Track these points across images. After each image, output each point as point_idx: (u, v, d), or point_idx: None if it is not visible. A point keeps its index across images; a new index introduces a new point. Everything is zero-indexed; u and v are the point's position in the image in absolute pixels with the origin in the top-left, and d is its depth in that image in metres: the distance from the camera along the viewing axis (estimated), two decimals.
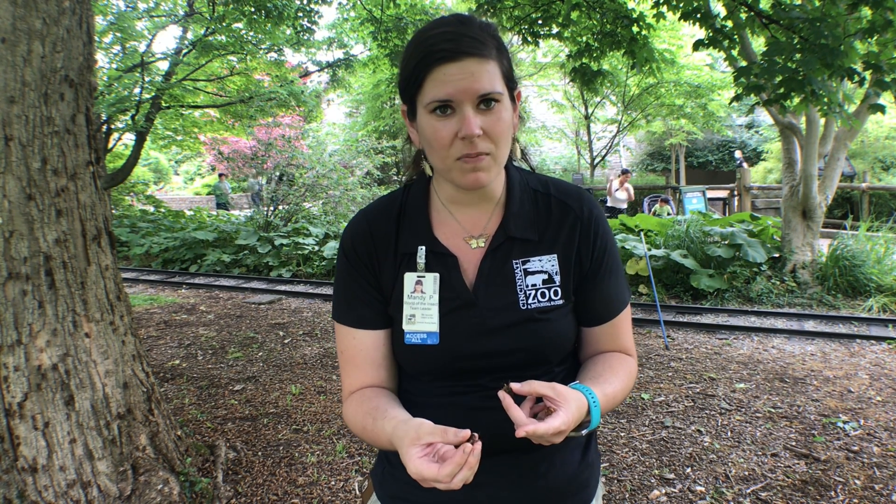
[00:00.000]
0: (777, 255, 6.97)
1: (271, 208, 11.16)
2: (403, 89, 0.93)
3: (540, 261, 0.99)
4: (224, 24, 7.22)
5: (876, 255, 6.66)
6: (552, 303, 0.98)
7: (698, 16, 4.82)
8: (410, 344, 0.98)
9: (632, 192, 11.83)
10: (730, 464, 2.98)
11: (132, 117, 7.38)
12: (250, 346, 5.21)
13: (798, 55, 3.76)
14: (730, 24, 4.88)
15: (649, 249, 7.04)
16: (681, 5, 4.95)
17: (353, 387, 1.03)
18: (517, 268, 0.98)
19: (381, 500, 1.08)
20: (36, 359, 2.15)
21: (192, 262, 9.76)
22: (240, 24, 7.62)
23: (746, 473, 2.88)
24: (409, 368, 1.03)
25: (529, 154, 1.09)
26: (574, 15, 6.05)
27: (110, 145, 8.19)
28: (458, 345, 0.96)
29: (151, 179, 23.83)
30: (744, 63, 5.83)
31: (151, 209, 13.54)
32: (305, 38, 8.42)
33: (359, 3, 9.14)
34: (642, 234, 6.85)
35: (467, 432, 0.78)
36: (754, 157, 21.02)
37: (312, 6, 7.79)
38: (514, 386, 0.85)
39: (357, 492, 2.78)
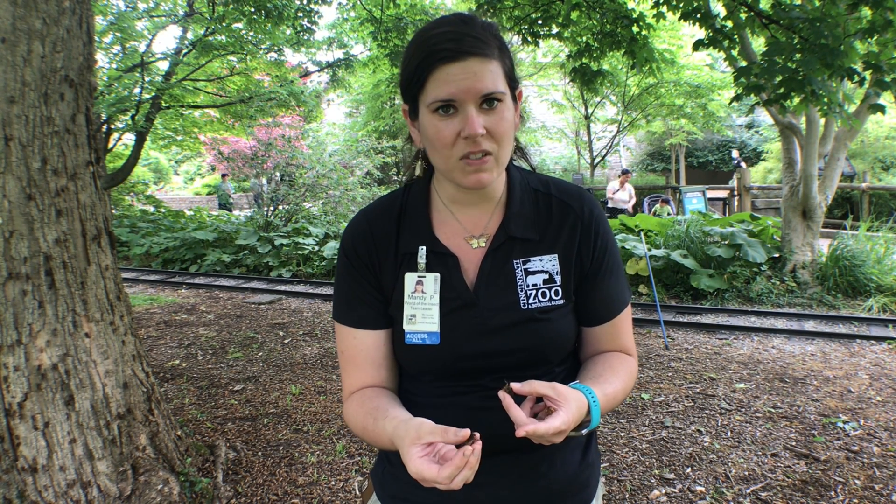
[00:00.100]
0: (777, 255, 6.97)
1: (271, 208, 11.16)
2: (405, 89, 0.93)
3: (541, 260, 0.99)
4: (224, 24, 7.22)
5: (876, 255, 6.66)
6: (553, 303, 0.98)
7: (698, 16, 4.82)
8: (411, 344, 0.98)
9: (632, 192, 11.83)
10: (730, 464, 2.98)
11: (132, 117, 7.39)
12: (250, 346, 5.21)
13: (798, 55, 3.76)
14: (730, 24, 4.88)
15: (649, 249, 7.05)
16: (681, 5, 4.95)
17: (353, 387, 1.03)
18: (518, 268, 0.98)
19: (381, 500, 1.08)
20: (36, 359, 2.15)
21: (192, 262, 9.76)
22: (240, 24, 7.62)
23: (746, 473, 2.88)
24: (409, 368, 1.03)
25: (529, 154, 1.09)
26: (574, 15, 6.05)
27: (110, 145, 8.19)
28: (458, 345, 0.96)
29: (151, 179, 23.85)
30: (744, 63, 5.83)
31: (151, 209, 13.55)
32: (305, 38, 8.42)
33: (359, 3, 9.14)
34: (642, 234, 6.85)
35: (467, 432, 0.78)
36: (754, 157, 21.01)
37: (312, 6, 7.79)
38: (515, 386, 0.85)
39: (357, 492, 2.78)
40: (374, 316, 1.01)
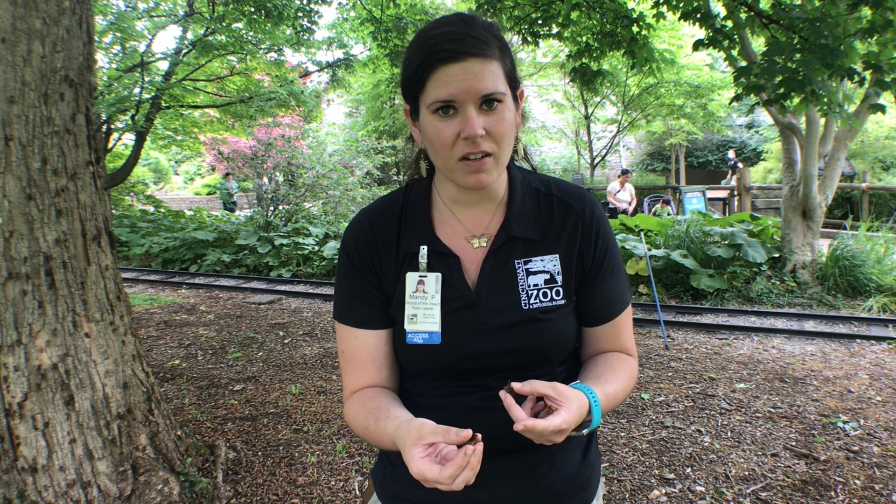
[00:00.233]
0: (777, 255, 6.97)
1: (271, 208, 11.17)
2: (406, 89, 0.93)
3: (542, 260, 0.99)
4: (224, 24, 7.22)
5: (876, 255, 6.66)
6: (554, 303, 0.98)
7: (698, 16, 4.82)
8: (412, 344, 0.98)
9: (633, 192, 11.83)
10: (730, 464, 2.98)
11: (132, 117, 7.39)
12: (250, 346, 5.21)
13: (798, 55, 3.76)
14: (730, 24, 4.88)
15: (649, 249, 7.05)
16: (681, 5, 4.95)
17: (354, 387, 1.03)
18: (519, 267, 0.98)
19: (381, 500, 1.08)
20: (36, 359, 2.14)
21: (192, 262, 9.76)
22: (240, 24, 7.62)
23: (746, 473, 2.88)
24: (410, 368, 1.03)
25: (530, 153, 1.09)
26: (574, 15, 6.05)
27: (110, 145, 8.20)
28: (459, 345, 0.96)
29: (151, 179, 23.86)
30: (744, 63, 5.83)
31: (151, 209, 13.55)
32: (305, 38, 8.43)
33: (359, 3, 9.14)
34: (642, 234, 6.85)
35: (469, 432, 0.78)
36: (754, 157, 21.01)
37: (312, 6, 7.79)
38: (516, 385, 0.85)
39: (357, 492, 2.78)
40: (375, 316, 1.01)
